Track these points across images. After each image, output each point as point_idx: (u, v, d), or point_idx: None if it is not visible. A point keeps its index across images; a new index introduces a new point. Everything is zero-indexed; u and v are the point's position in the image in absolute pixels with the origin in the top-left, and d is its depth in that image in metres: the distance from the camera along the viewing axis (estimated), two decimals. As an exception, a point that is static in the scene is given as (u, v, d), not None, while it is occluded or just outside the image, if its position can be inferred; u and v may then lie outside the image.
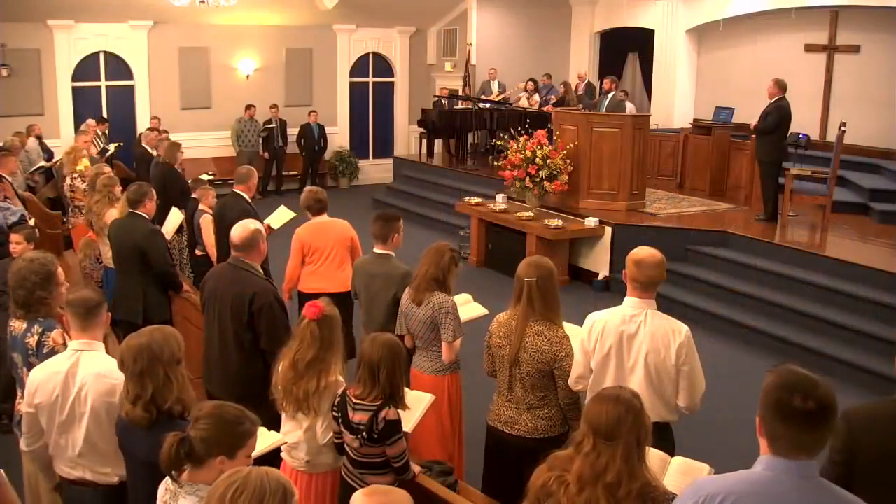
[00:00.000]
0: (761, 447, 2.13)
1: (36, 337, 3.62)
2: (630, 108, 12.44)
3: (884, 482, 2.57)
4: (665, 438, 3.49)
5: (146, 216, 5.73)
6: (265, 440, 3.33)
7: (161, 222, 7.59)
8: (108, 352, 3.44)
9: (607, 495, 2.36)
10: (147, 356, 2.83)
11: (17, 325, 3.73)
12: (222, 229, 6.07)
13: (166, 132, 11.95)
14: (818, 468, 2.08)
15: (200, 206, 7.16)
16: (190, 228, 7.49)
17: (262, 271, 4.39)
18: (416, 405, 3.65)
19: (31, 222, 7.21)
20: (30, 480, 3.76)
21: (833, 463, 2.66)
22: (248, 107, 14.41)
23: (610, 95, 10.89)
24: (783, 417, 2.05)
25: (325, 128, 15.25)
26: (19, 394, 3.78)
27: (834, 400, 2.06)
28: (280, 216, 6.66)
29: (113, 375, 3.10)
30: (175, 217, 7.31)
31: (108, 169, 8.09)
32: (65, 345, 3.57)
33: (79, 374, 3.18)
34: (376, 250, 4.79)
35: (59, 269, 3.84)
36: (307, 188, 6.27)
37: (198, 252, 7.17)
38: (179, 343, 2.95)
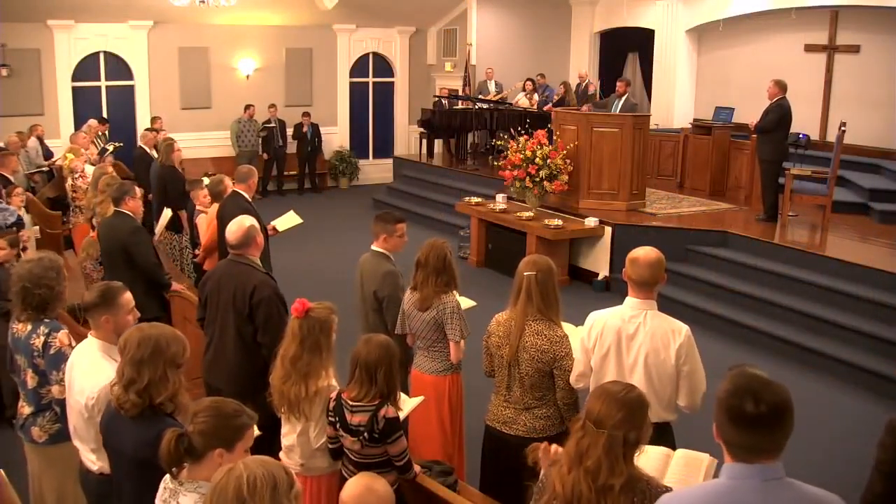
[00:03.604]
0: (725, 455, 2.08)
1: (42, 338, 3.60)
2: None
3: None
4: (665, 438, 3.47)
5: (131, 214, 5.72)
6: None
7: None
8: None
9: (589, 481, 2.37)
10: (152, 346, 2.84)
11: (20, 328, 3.70)
12: (223, 229, 6.07)
13: (164, 132, 11.92)
14: (783, 469, 2.03)
15: (197, 206, 7.14)
16: (191, 229, 7.47)
17: (261, 265, 4.40)
18: (406, 405, 3.67)
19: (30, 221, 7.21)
20: (34, 480, 3.77)
21: (880, 473, 2.63)
22: (247, 107, 14.41)
23: (623, 98, 10.87)
24: (736, 423, 2.01)
25: (321, 128, 15.24)
26: (22, 396, 3.78)
27: (787, 400, 2.02)
28: (287, 221, 6.65)
29: (86, 382, 3.19)
30: (164, 215, 7.31)
31: (110, 169, 8.09)
32: (71, 346, 3.57)
33: (74, 364, 3.34)
34: (372, 247, 4.81)
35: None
36: (214, 176, 7.07)
37: (197, 251, 7.16)
38: (185, 349, 2.94)
